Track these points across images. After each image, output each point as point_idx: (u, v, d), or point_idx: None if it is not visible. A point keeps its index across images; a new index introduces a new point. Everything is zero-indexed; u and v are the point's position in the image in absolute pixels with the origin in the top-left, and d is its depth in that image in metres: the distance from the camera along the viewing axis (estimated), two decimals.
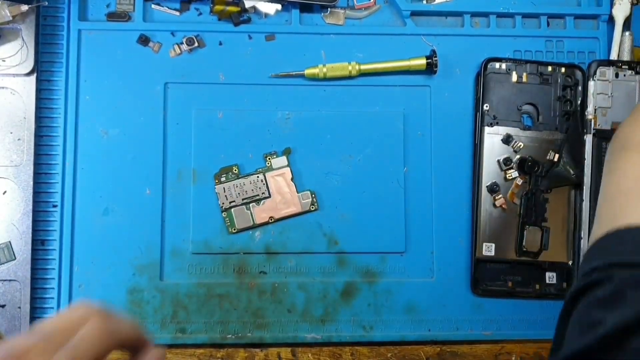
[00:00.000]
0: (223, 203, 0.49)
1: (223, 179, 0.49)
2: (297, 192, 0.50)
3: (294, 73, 0.51)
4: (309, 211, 0.50)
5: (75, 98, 0.50)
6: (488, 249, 0.50)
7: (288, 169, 0.50)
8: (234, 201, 0.49)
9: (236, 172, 0.50)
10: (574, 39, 0.53)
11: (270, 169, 0.50)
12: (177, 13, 0.52)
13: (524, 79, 0.51)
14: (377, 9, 0.53)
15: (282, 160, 0.50)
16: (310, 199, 0.50)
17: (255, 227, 0.49)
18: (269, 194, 0.50)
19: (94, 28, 0.50)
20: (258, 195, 0.49)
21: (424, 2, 0.53)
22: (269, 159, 0.50)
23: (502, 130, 0.51)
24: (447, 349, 0.50)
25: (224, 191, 0.49)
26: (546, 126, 0.51)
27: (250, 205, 0.49)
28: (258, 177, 0.50)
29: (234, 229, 0.49)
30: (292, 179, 0.50)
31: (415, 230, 0.51)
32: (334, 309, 0.50)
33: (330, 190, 0.50)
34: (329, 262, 0.50)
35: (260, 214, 0.49)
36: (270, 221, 0.49)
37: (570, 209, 0.51)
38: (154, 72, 0.51)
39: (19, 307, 0.47)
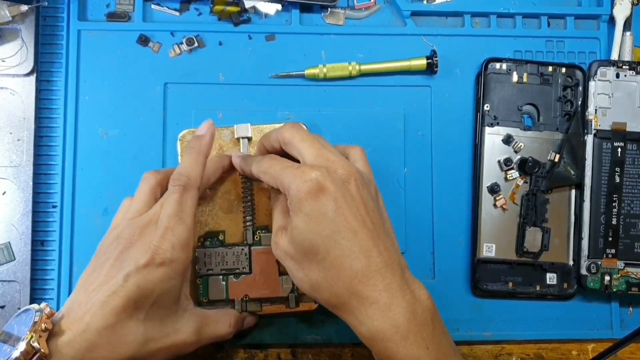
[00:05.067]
0: (200, 269, 0.46)
1: (207, 243, 0.46)
2: (280, 276, 0.46)
3: (294, 73, 0.51)
4: (285, 298, 0.46)
5: (75, 98, 0.50)
6: (488, 250, 0.50)
7: None
8: (211, 269, 0.46)
9: (222, 238, 0.46)
10: (575, 39, 0.53)
11: (258, 244, 0.47)
12: (177, 13, 0.52)
13: (525, 79, 0.51)
14: (377, 9, 0.53)
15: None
16: (291, 286, 0.46)
17: (227, 302, 0.46)
18: (250, 270, 0.46)
19: (93, 28, 0.50)
20: (238, 269, 0.46)
21: (424, 2, 0.53)
22: (259, 233, 0.47)
23: (503, 130, 0.51)
24: None
25: (204, 256, 0.46)
26: (547, 126, 0.51)
27: (228, 277, 0.46)
28: (242, 250, 0.46)
29: (206, 299, 0.46)
30: (277, 260, 0.45)
31: (415, 230, 0.51)
32: None
33: None
34: None
35: (236, 289, 0.46)
36: (244, 299, 0.46)
37: (571, 209, 0.51)
38: (154, 72, 0.50)
39: (19, 308, 0.47)
